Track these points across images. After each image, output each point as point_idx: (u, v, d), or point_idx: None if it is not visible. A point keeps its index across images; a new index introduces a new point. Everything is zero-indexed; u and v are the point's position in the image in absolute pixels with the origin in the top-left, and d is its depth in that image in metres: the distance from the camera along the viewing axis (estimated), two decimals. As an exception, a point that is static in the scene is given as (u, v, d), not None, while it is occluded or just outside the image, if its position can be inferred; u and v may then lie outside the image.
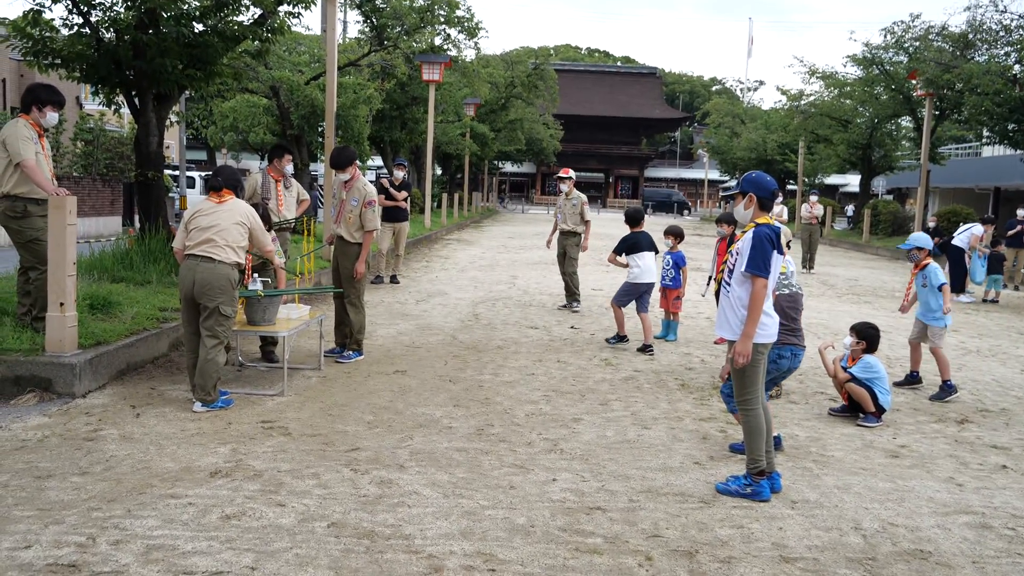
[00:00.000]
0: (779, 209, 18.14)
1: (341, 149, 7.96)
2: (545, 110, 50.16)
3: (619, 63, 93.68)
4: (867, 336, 6.70)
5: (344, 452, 5.24)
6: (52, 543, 3.81)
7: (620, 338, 9.26)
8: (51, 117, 6.81)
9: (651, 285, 9.20)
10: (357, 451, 5.27)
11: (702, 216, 59.56)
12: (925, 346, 7.80)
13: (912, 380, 7.79)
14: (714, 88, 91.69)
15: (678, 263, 9.59)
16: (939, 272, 7.70)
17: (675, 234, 9.69)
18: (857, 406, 6.49)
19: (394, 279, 13.90)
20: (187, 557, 3.73)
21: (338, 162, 7.84)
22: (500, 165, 58.60)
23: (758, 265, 4.64)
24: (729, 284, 4.83)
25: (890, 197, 43.24)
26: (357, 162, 7.98)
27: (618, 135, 73.20)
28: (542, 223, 39.33)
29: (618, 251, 9.32)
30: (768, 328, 4.78)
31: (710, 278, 9.41)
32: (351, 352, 7.91)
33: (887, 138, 33.98)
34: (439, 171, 42.79)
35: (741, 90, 79.43)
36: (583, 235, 11.57)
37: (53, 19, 9.26)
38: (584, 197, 11.70)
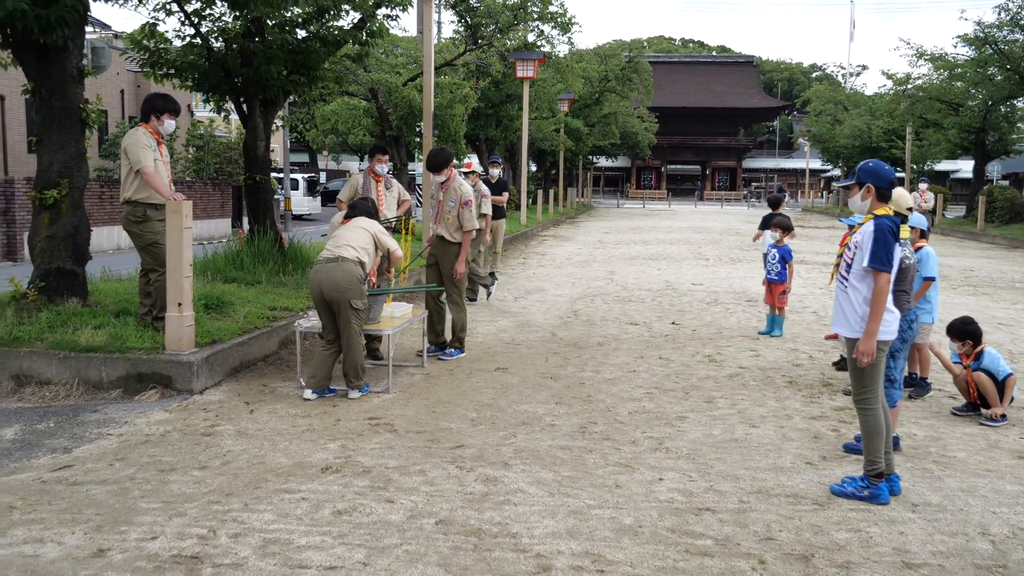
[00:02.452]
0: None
1: (437, 152, 8.04)
2: (639, 103, 49.58)
3: (714, 53, 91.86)
4: (968, 333, 6.29)
5: (449, 449, 5.30)
6: (176, 535, 3.98)
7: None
8: (168, 124, 7.12)
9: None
10: (462, 448, 5.32)
11: (804, 207, 57.81)
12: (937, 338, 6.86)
13: (913, 383, 6.86)
14: (814, 75, 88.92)
15: (784, 257, 9.33)
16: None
17: (783, 227, 9.43)
18: (978, 405, 6.17)
19: (492, 276, 13.98)
20: (302, 551, 3.83)
21: (434, 165, 7.94)
22: (594, 160, 58.23)
23: (880, 259, 4.42)
24: (846, 279, 4.64)
25: (1006, 183, 41.00)
26: (454, 162, 8.06)
27: (714, 126, 71.76)
28: (638, 217, 38.98)
29: (760, 227, 10.37)
30: (890, 324, 4.56)
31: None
32: (453, 349, 8.00)
33: (1003, 121, 32.22)
34: (534, 167, 42.87)
35: (843, 76, 76.78)
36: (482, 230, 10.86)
37: (167, 31, 9.70)
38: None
